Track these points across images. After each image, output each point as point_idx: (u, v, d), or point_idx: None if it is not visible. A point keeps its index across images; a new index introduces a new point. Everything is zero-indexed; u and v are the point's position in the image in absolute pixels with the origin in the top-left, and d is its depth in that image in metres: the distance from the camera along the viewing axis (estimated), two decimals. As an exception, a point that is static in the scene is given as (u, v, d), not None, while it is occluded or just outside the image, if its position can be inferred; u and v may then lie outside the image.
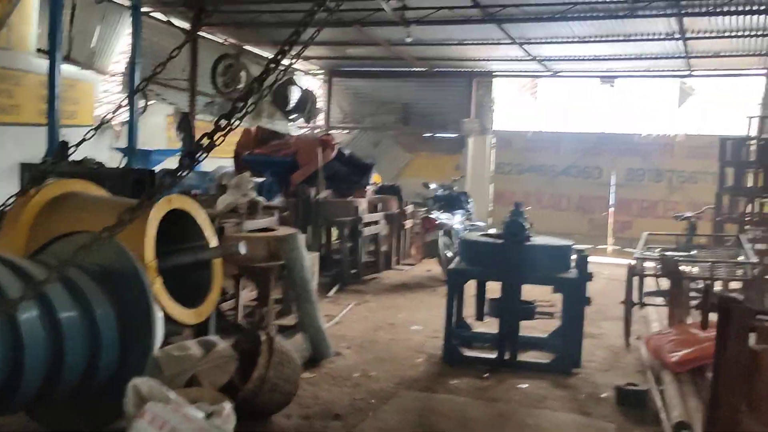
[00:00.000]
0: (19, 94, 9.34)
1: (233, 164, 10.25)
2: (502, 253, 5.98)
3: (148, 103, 12.01)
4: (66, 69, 10.35)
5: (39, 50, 9.65)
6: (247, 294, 6.49)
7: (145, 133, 12.79)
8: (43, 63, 9.81)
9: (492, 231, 7.54)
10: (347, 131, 17.09)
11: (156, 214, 4.71)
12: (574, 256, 6.14)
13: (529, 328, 6.55)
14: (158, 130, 13.01)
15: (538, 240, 6.22)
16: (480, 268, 6.12)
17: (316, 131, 16.08)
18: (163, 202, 4.85)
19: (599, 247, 15.05)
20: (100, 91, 11.51)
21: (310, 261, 6.46)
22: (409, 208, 11.57)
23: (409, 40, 10.61)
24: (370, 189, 10.45)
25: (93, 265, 4.02)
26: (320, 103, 16.74)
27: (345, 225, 9.26)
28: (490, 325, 6.48)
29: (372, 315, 7.80)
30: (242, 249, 4.78)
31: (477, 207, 12.75)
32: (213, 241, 5.24)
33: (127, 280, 4.00)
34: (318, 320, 5.82)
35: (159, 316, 4.37)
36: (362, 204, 9.73)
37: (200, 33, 11.97)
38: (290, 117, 14.67)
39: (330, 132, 12.06)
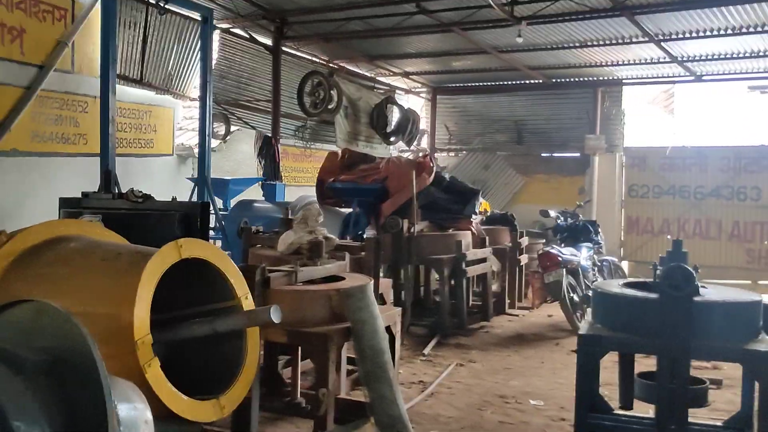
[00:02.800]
0: (86, 122, 8.54)
1: (316, 193, 8.94)
2: (658, 314, 4.13)
3: (233, 129, 11.06)
4: (140, 94, 9.60)
5: (109, 74, 8.85)
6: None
7: (233, 161, 11.89)
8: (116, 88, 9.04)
9: (637, 279, 5.60)
10: (454, 153, 15.52)
11: (155, 267, 3.33)
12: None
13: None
14: (246, 158, 12.08)
15: (710, 293, 4.31)
16: (625, 335, 4.27)
17: (420, 155, 14.65)
18: (170, 248, 3.48)
19: (761, 283, 12.48)
20: (181, 117, 10.67)
21: (392, 320, 4.91)
22: (525, 241, 9.76)
23: (519, 41, 8.92)
24: (476, 219, 8.77)
25: (35, 352, 2.68)
26: (424, 124, 15.31)
27: (444, 264, 7.64)
28: (638, 406, 4.64)
29: (477, 382, 6.10)
30: (275, 316, 3.30)
31: (606, 237, 10.71)
32: (247, 301, 3.81)
33: (77, 371, 2.61)
34: (396, 405, 4.22)
35: (144, 420, 2.98)
36: (466, 238, 8.07)
37: (285, 49, 10.88)
38: (390, 140, 13.29)
39: (428, 154, 10.53)
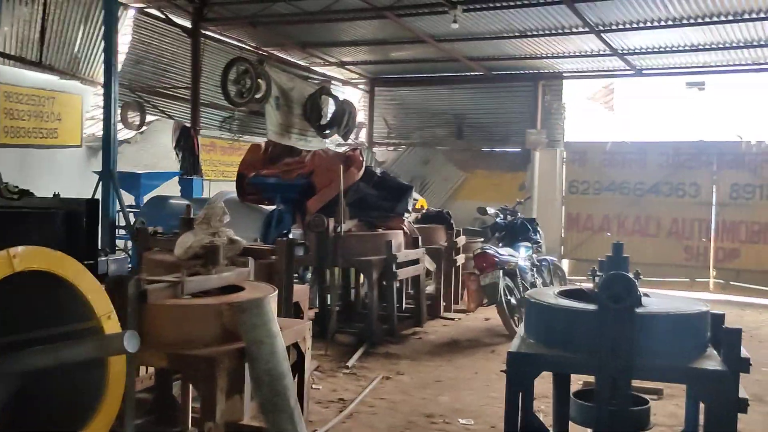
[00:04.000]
0: (-30, 109, 7.62)
1: (236, 189, 8.23)
2: (596, 328, 3.64)
3: (151, 119, 10.22)
4: (41, 78, 8.70)
5: (1, 54, 7.95)
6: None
7: (152, 153, 11.05)
8: (8, 70, 8.15)
9: (575, 287, 5.11)
10: (393, 148, 14.96)
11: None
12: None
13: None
14: (168, 151, 11.21)
15: (653, 303, 3.85)
16: (559, 352, 3.77)
17: (357, 150, 14.04)
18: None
19: (698, 280, 12.38)
20: (92, 105, 9.76)
21: (300, 335, 4.28)
22: (462, 240, 9.27)
23: (455, 26, 8.39)
24: (409, 218, 8.23)
25: None
26: (362, 117, 14.70)
27: (373, 266, 7.06)
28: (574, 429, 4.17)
29: (404, 398, 5.54)
30: (130, 344, 2.65)
31: (546, 235, 10.35)
32: (110, 321, 3.13)
33: None
34: (298, 439, 3.61)
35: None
36: (397, 237, 7.52)
37: (208, 33, 10.10)
38: (325, 132, 12.63)
39: (357, 147, 9.95)
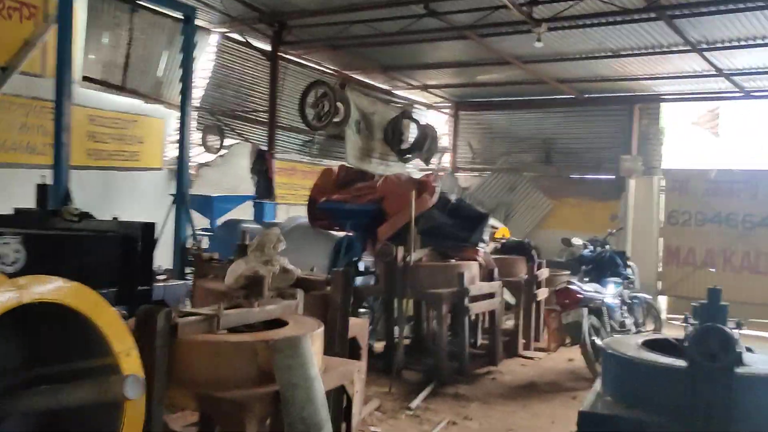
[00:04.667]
0: (56, 131, 7.80)
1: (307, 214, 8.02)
2: (686, 389, 3.08)
3: (225, 142, 10.26)
4: (124, 102, 8.89)
5: (86, 78, 8.15)
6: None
7: (232, 176, 11.09)
8: (93, 94, 8.35)
9: (661, 336, 4.47)
10: (477, 173, 14.46)
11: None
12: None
13: None
14: (246, 174, 11.24)
15: (758, 362, 3.23)
16: (640, 415, 3.22)
17: (440, 174, 13.65)
18: (3, 290, 2.57)
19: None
20: (174, 128, 9.90)
21: (347, 377, 3.90)
22: (544, 273, 8.64)
23: (539, 45, 7.89)
24: (485, 248, 7.72)
25: None
26: (446, 141, 14.33)
27: (443, 299, 6.61)
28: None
29: (468, 448, 5.04)
30: (130, 390, 2.37)
31: (640, 270, 9.54)
32: (128, 359, 2.88)
33: None
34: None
35: None
36: (471, 269, 7.02)
37: (289, 57, 10.07)
38: (406, 157, 12.33)
39: (432, 172, 9.57)
